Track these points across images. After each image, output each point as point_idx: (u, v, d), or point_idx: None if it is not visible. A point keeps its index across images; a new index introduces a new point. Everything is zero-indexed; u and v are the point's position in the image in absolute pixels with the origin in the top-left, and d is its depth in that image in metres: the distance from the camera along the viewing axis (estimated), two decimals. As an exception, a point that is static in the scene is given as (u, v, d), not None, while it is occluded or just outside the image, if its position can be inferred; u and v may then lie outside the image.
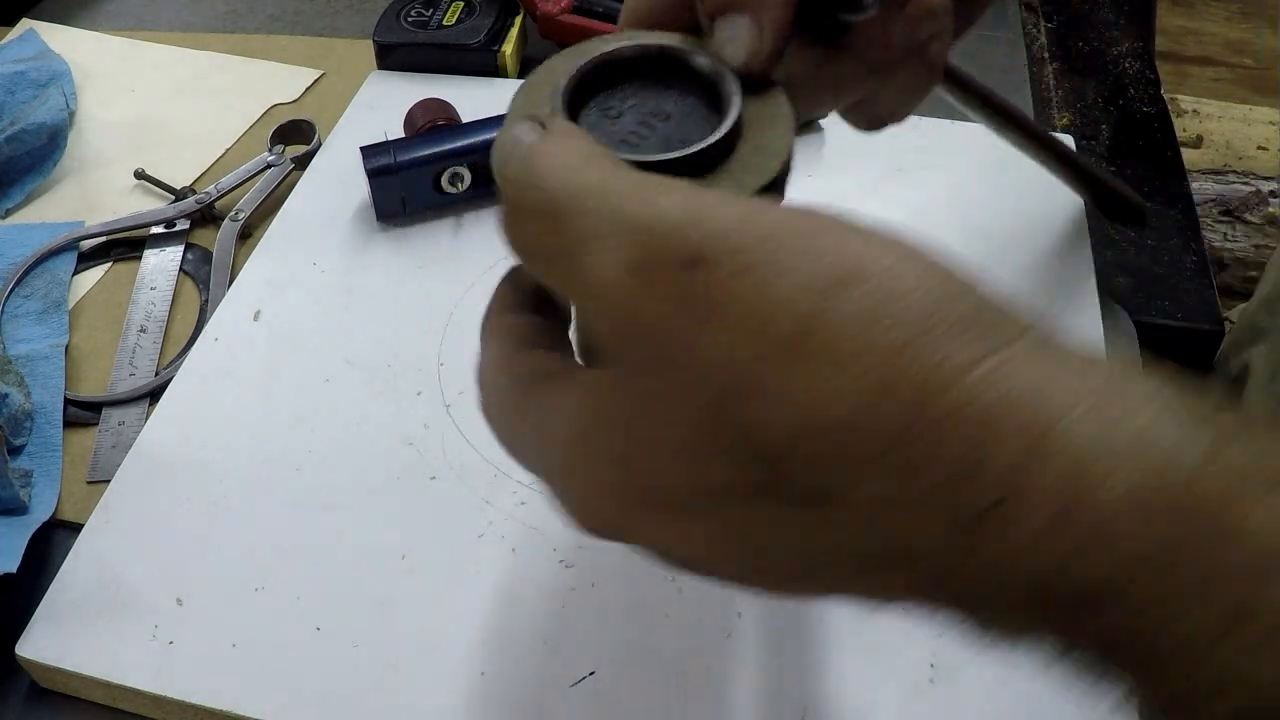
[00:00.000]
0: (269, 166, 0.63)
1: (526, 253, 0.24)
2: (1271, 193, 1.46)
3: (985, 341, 0.20)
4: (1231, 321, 0.68)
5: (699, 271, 0.20)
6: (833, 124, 0.61)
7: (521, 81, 0.30)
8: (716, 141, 0.27)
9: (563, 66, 0.29)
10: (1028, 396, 0.19)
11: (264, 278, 0.56)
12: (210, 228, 0.61)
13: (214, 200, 0.62)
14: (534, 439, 0.26)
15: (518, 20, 0.70)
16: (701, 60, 0.29)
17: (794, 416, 0.20)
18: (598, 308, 0.22)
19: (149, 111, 0.70)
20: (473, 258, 0.56)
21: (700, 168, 0.26)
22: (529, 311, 0.28)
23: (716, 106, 0.29)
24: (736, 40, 0.28)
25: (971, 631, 0.21)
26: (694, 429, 0.21)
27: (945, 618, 0.21)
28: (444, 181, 0.58)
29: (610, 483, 0.23)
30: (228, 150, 0.67)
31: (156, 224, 0.61)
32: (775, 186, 0.27)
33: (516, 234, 0.24)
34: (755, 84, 0.29)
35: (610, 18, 0.68)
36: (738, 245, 0.20)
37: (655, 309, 0.21)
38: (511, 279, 0.29)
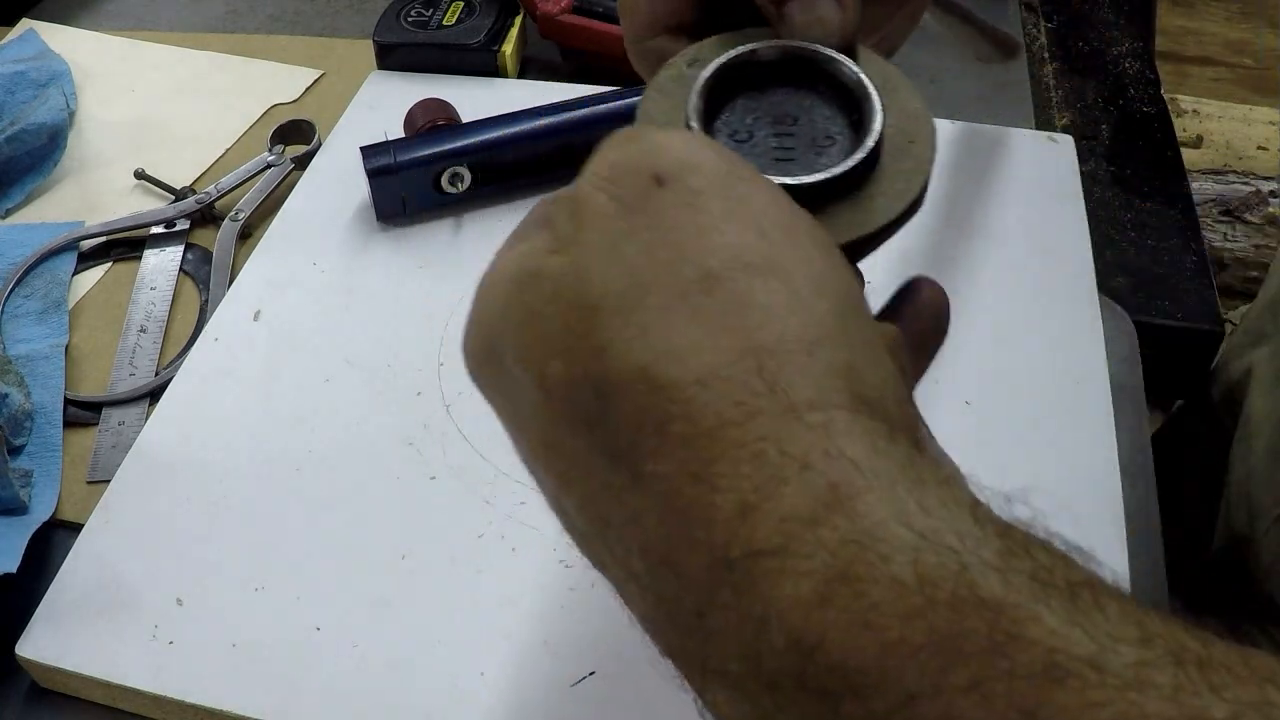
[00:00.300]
0: (269, 166, 0.63)
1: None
2: (1271, 193, 1.46)
3: (851, 400, 0.19)
4: (1233, 323, 0.68)
5: (660, 188, 0.21)
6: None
7: (641, 100, 0.30)
8: (867, 156, 0.27)
9: (682, 73, 0.30)
10: (846, 457, 0.18)
11: (264, 278, 0.56)
12: (210, 228, 0.61)
13: (214, 200, 0.62)
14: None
15: (518, 20, 0.70)
16: (845, 69, 0.29)
17: (644, 356, 0.19)
18: (573, 193, 0.23)
19: (149, 111, 0.70)
20: (473, 258, 0.56)
21: (851, 185, 0.27)
22: None
23: (844, 105, 0.29)
24: (826, 20, 0.28)
25: (690, 687, 0.21)
26: (557, 320, 0.21)
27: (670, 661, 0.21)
28: (444, 181, 0.58)
29: (481, 336, 0.24)
30: (228, 150, 0.67)
31: (156, 224, 0.61)
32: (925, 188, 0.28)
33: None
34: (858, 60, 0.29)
35: (610, 18, 0.68)
36: (706, 184, 0.21)
37: (603, 200, 0.22)
38: None
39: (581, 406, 0.20)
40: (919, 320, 0.27)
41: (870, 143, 0.27)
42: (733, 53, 0.29)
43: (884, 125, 0.28)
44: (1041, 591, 0.17)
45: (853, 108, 0.29)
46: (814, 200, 0.26)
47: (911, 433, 0.20)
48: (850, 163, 0.27)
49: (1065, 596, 0.17)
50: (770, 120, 0.29)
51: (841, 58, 0.29)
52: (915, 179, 0.28)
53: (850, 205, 0.27)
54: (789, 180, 0.26)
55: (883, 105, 0.28)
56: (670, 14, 0.31)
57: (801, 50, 0.29)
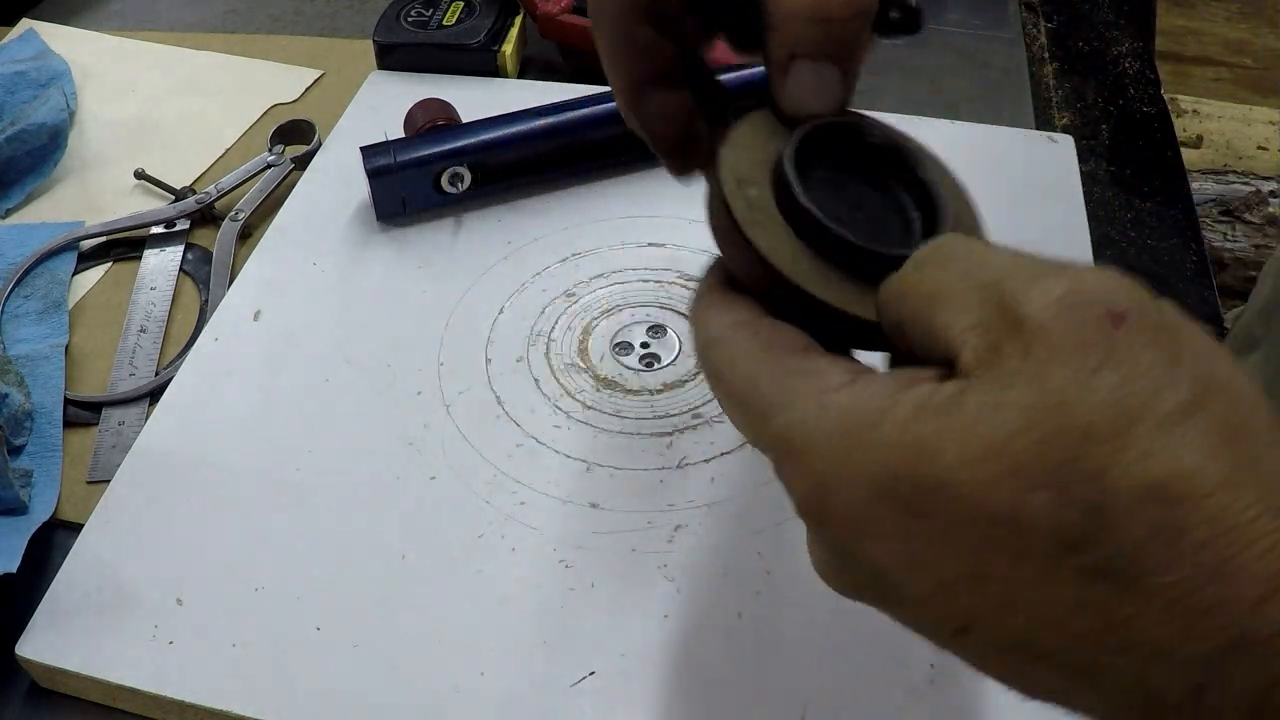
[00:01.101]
0: (269, 166, 0.63)
1: (937, 285, 0.25)
2: (1271, 193, 1.46)
3: None
4: (1226, 328, 0.68)
5: (1119, 326, 0.22)
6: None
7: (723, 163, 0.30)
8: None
9: (761, 142, 0.30)
10: None
11: (264, 278, 0.56)
12: (210, 228, 0.61)
13: (214, 200, 0.62)
14: (791, 396, 0.25)
15: (518, 20, 0.70)
16: (928, 164, 0.31)
17: (1153, 473, 0.20)
18: (1007, 318, 0.23)
19: (149, 111, 0.70)
20: (473, 258, 0.56)
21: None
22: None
23: (910, 193, 0.31)
24: (825, 92, 0.30)
25: None
26: (1042, 449, 0.21)
27: None
28: (444, 181, 0.58)
29: (890, 475, 0.23)
30: (228, 150, 0.67)
31: (156, 224, 0.61)
32: None
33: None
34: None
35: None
36: (1152, 323, 0.22)
37: (1068, 333, 0.22)
38: (718, 271, 0.30)
39: (1065, 530, 0.21)
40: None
41: (946, 219, 0.29)
42: (837, 122, 0.30)
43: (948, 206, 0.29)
44: None
45: (925, 206, 0.30)
46: (866, 267, 0.28)
47: None
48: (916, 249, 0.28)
49: None
50: (845, 194, 0.30)
51: (928, 154, 0.31)
52: None
53: None
54: (871, 247, 0.28)
55: (951, 205, 0.30)
56: (653, 63, 0.32)
57: (893, 140, 0.31)
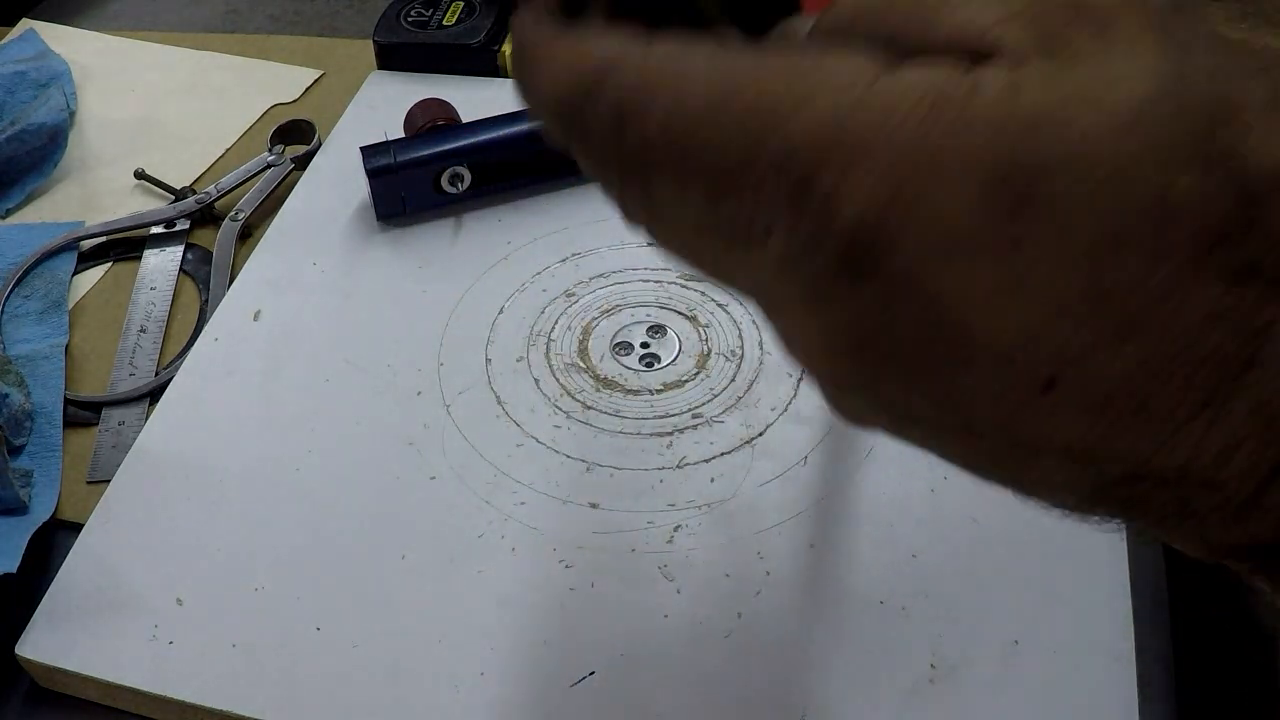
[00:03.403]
0: (269, 166, 0.63)
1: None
2: (1271, 193, 1.46)
3: None
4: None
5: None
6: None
7: None
8: None
9: None
10: None
11: (264, 278, 0.56)
12: (210, 228, 0.61)
13: (214, 200, 0.62)
14: (819, 96, 0.17)
15: (518, 20, 0.70)
16: None
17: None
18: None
19: (149, 111, 0.70)
20: (473, 258, 0.56)
21: None
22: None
23: None
24: None
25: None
26: (1174, 125, 0.17)
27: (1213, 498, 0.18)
28: (444, 181, 0.58)
29: (991, 158, 0.17)
30: (228, 150, 0.67)
31: (156, 224, 0.61)
32: None
33: None
34: None
35: (610, 18, 0.68)
36: None
37: (1147, 18, 0.17)
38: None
39: (1215, 221, 0.16)
40: None
41: None
42: None
43: None
44: None
45: None
46: None
47: None
48: None
49: None
50: None
51: None
52: None
53: None
54: None
55: None
56: None
57: None
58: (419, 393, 0.50)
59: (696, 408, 0.49)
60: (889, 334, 0.18)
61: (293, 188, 0.61)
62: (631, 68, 0.19)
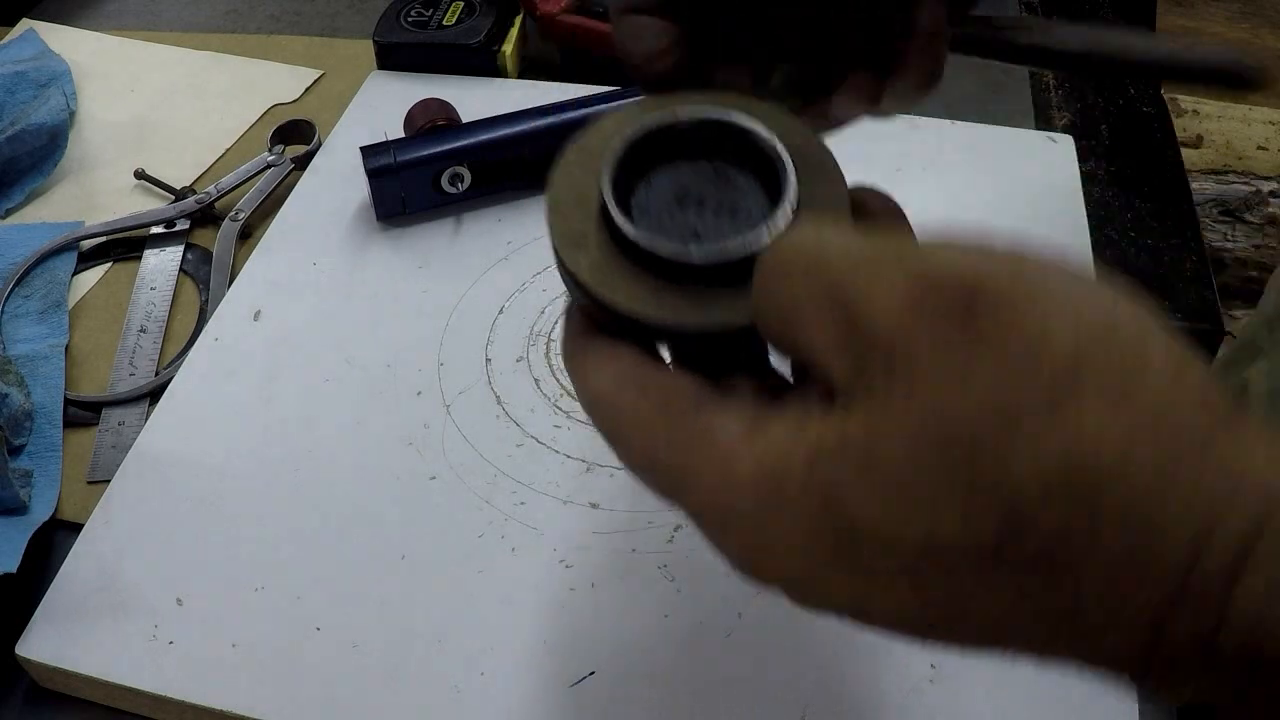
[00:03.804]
0: (269, 166, 0.63)
1: (785, 303, 0.24)
2: (1271, 193, 1.46)
3: (1223, 414, 0.20)
4: (1233, 335, 0.68)
5: (974, 309, 0.21)
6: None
7: (558, 163, 0.30)
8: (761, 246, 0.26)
9: (598, 144, 0.29)
10: (1259, 468, 0.20)
11: (264, 278, 0.56)
12: (210, 228, 0.61)
13: (214, 200, 0.62)
14: (696, 471, 0.24)
15: (518, 20, 0.70)
16: (763, 136, 0.28)
17: (1051, 461, 0.20)
18: (860, 334, 0.22)
19: (149, 111, 0.70)
20: (473, 257, 0.56)
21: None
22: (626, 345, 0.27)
23: (756, 168, 0.28)
24: (650, 38, 0.30)
25: (1126, 685, 0.21)
26: (935, 471, 0.20)
27: (1110, 677, 0.21)
28: (444, 181, 0.58)
29: (810, 530, 0.22)
30: (228, 150, 0.67)
31: (156, 224, 0.61)
32: None
33: (775, 288, 0.24)
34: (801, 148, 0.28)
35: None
36: (1008, 289, 0.21)
37: (924, 337, 0.21)
38: (580, 316, 0.28)
39: (984, 539, 0.20)
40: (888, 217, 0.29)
41: (766, 231, 0.26)
42: (651, 120, 0.28)
43: (795, 206, 0.27)
44: None
45: (771, 182, 0.28)
46: (711, 279, 0.26)
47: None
48: (748, 246, 0.26)
49: None
50: (684, 193, 0.28)
51: (757, 127, 0.28)
52: None
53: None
54: (682, 258, 0.26)
55: (798, 183, 0.27)
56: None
57: (720, 118, 0.28)
58: (419, 393, 0.50)
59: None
60: (814, 608, 0.24)
61: (293, 188, 0.61)
62: (604, 412, 0.27)
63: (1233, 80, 0.32)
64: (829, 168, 0.29)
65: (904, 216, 0.29)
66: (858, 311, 0.22)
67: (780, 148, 0.28)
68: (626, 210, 0.28)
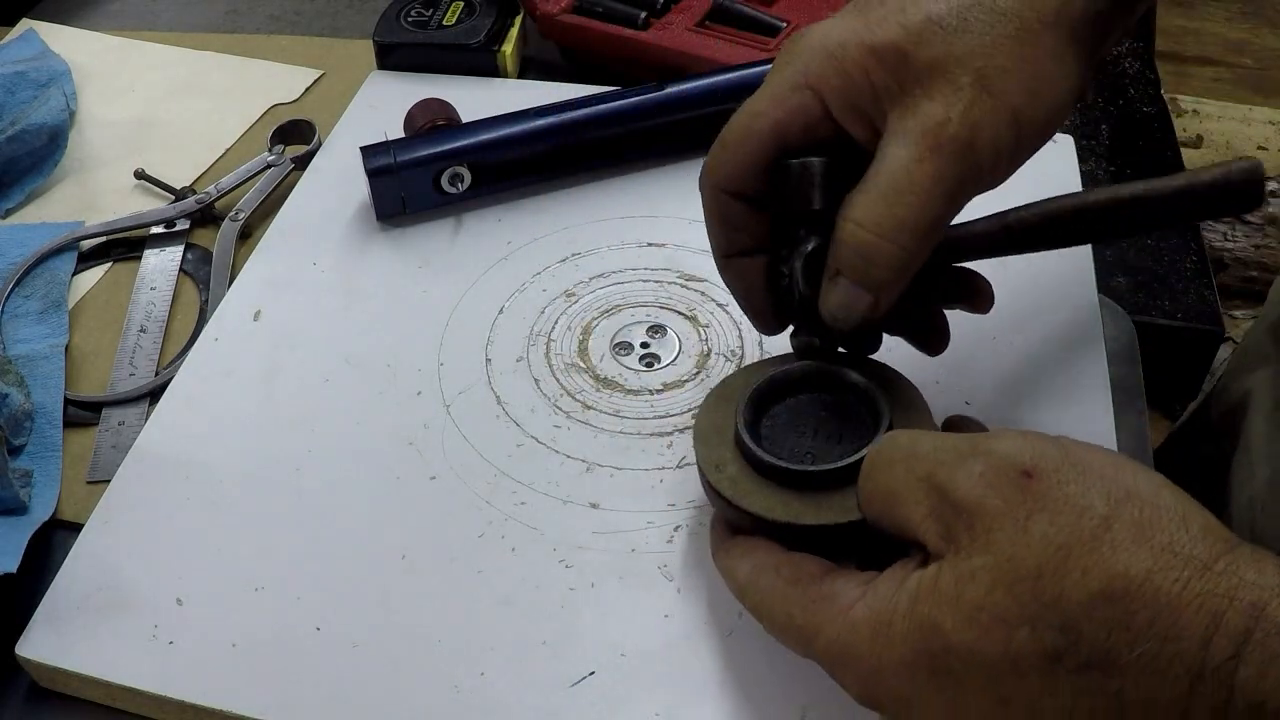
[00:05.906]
0: (269, 166, 0.63)
1: (887, 487, 0.33)
2: (1272, 193, 1.46)
3: (1220, 544, 0.28)
4: (1235, 341, 0.68)
5: (1031, 480, 0.29)
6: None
7: (701, 408, 0.41)
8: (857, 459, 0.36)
9: (735, 389, 0.40)
10: (1250, 582, 0.27)
11: (264, 278, 0.56)
12: (210, 228, 0.62)
13: (214, 200, 0.62)
14: (822, 624, 0.32)
15: (518, 20, 0.70)
16: (854, 377, 0.39)
17: (1094, 584, 0.27)
18: (948, 506, 0.30)
19: (149, 111, 0.70)
20: (473, 258, 0.56)
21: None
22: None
23: (855, 401, 0.39)
24: (852, 307, 0.36)
25: None
26: (1009, 597, 0.28)
27: None
28: (444, 181, 0.58)
29: (913, 654, 0.30)
30: (228, 150, 0.67)
31: (156, 224, 0.61)
32: None
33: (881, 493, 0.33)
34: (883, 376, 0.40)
35: (610, 18, 0.68)
36: (1056, 465, 0.30)
37: (997, 502, 0.29)
38: (722, 523, 0.39)
39: (1048, 648, 0.28)
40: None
41: (866, 448, 0.35)
42: (772, 372, 0.40)
43: (890, 427, 0.37)
44: None
45: (869, 410, 0.39)
46: (823, 485, 0.36)
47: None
48: (851, 459, 0.36)
49: None
50: (801, 423, 0.39)
51: (850, 371, 0.39)
52: None
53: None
54: (801, 471, 0.37)
55: (889, 408, 0.38)
56: (730, 179, 0.39)
57: (821, 368, 0.40)
58: (419, 393, 0.50)
59: (696, 408, 0.49)
60: None
61: (293, 188, 0.61)
62: (749, 593, 0.36)
63: (1237, 197, 0.37)
64: (916, 400, 0.39)
65: (979, 422, 0.40)
66: (945, 490, 0.31)
67: (872, 385, 0.38)
68: (757, 438, 0.38)
